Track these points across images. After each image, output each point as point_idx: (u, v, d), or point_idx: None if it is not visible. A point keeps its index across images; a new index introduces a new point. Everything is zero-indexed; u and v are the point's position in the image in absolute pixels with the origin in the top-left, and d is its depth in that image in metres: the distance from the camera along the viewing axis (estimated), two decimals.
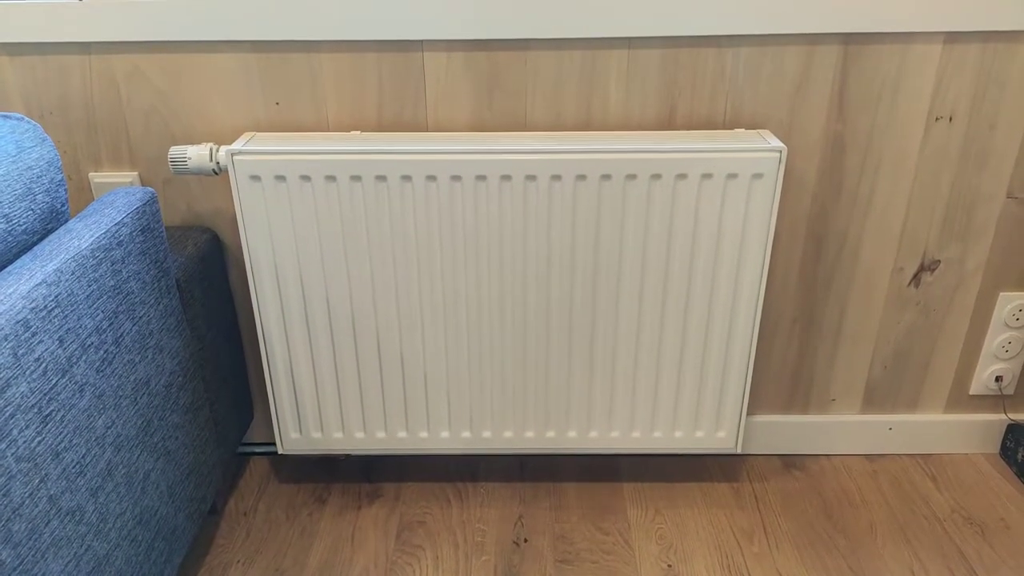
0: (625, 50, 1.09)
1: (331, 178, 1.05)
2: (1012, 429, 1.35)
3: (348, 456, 1.40)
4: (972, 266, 1.24)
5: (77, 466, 0.81)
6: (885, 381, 1.34)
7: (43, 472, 0.76)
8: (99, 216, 0.91)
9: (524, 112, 1.13)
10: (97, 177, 1.18)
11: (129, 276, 0.92)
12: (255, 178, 1.05)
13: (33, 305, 0.75)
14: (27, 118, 0.90)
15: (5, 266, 0.82)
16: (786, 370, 1.32)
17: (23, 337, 0.74)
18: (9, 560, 0.71)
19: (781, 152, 1.04)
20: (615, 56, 1.09)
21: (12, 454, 0.72)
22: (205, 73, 1.11)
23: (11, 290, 0.74)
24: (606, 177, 1.05)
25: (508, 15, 1.06)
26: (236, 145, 1.05)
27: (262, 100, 1.13)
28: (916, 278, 1.25)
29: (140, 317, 0.94)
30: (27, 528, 0.74)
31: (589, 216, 1.07)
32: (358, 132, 1.13)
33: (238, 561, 1.18)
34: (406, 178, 1.05)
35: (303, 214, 1.07)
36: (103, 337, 0.86)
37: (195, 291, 1.11)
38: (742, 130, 1.12)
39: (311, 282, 1.12)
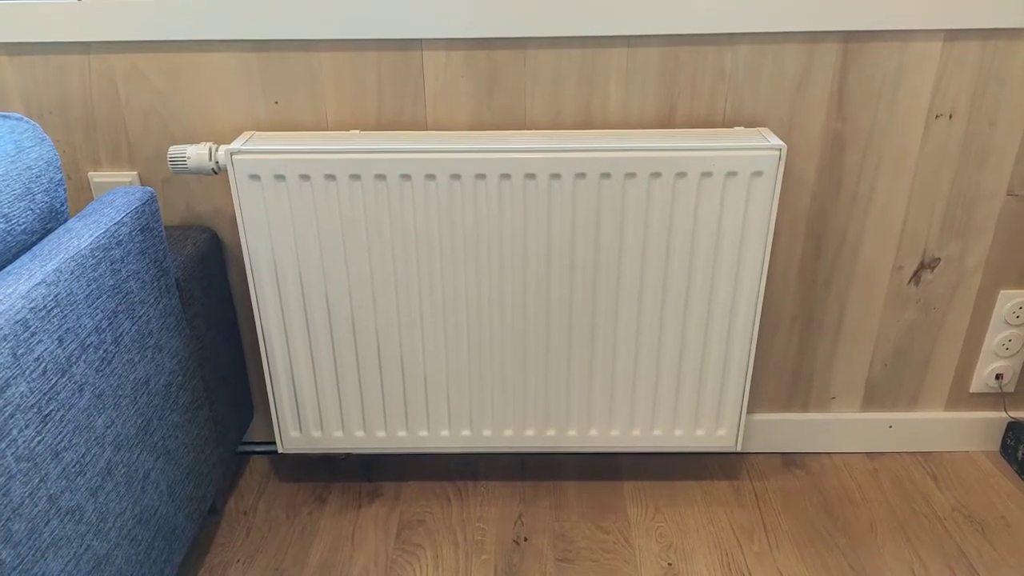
0: (624, 48, 1.09)
1: (330, 177, 1.05)
2: (1012, 427, 1.35)
3: (348, 455, 1.40)
4: (972, 264, 1.24)
5: (77, 466, 0.81)
6: (885, 379, 1.33)
7: (43, 472, 0.76)
8: (98, 216, 0.91)
9: (523, 111, 1.13)
10: (96, 177, 1.18)
11: (128, 276, 0.92)
12: (254, 177, 1.05)
13: (32, 305, 0.75)
14: (26, 118, 0.90)
15: (4, 266, 0.82)
16: (786, 368, 1.32)
17: (22, 337, 0.74)
18: (9, 559, 0.71)
19: (781, 150, 1.04)
20: (615, 55, 1.09)
21: (12, 454, 0.72)
22: (204, 72, 1.11)
23: (10, 290, 0.74)
24: (606, 175, 1.05)
25: (507, 14, 1.06)
26: (235, 144, 1.05)
27: (261, 99, 1.13)
28: (916, 276, 1.25)
29: (139, 316, 0.94)
30: (27, 528, 0.74)
31: (589, 215, 1.07)
32: (357, 131, 1.13)
33: (238, 560, 1.18)
34: (405, 177, 1.05)
35: (302, 213, 1.07)
36: (102, 337, 0.86)
37: (194, 290, 1.11)
38: (742, 128, 1.12)
39: (311, 281, 1.12)
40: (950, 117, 1.13)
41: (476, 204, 1.06)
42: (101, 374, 0.86)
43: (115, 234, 0.90)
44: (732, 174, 1.05)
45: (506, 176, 1.05)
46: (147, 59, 1.11)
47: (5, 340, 0.71)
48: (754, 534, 1.22)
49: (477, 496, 1.30)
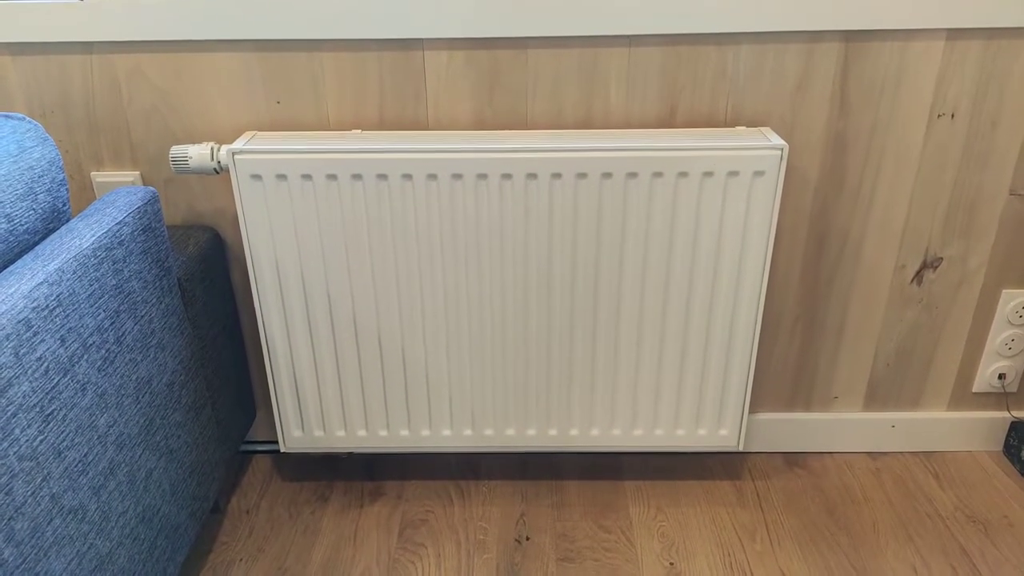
0: (626, 48, 1.09)
1: (332, 177, 1.05)
2: (1015, 427, 1.35)
3: (350, 454, 1.40)
4: (975, 263, 1.23)
5: (79, 465, 0.81)
6: (888, 379, 1.33)
7: (45, 471, 0.76)
8: (100, 215, 0.91)
9: (525, 110, 1.13)
10: (99, 176, 1.18)
11: (131, 275, 0.92)
12: (256, 177, 1.05)
13: (35, 304, 0.76)
14: (28, 118, 0.90)
15: (7, 265, 0.82)
16: (788, 368, 1.32)
17: (25, 336, 0.74)
18: (12, 559, 0.72)
19: (782, 150, 1.04)
20: (616, 54, 1.09)
21: (14, 453, 0.72)
22: (206, 72, 1.11)
23: (13, 289, 0.75)
24: (607, 175, 1.05)
25: (508, 13, 1.06)
26: (237, 144, 1.06)
27: (263, 99, 1.13)
28: (918, 276, 1.25)
29: (142, 316, 0.94)
30: (29, 527, 0.74)
31: (590, 214, 1.07)
32: (359, 131, 1.13)
33: (241, 559, 1.19)
34: (407, 177, 1.05)
35: (304, 213, 1.07)
36: (105, 336, 0.86)
37: (197, 290, 1.11)
38: (743, 128, 1.12)
39: (312, 280, 1.12)
40: (952, 117, 1.13)
41: (477, 204, 1.07)
42: (103, 373, 0.86)
43: (117, 234, 0.90)
44: (734, 174, 1.04)
45: (507, 176, 1.05)
46: (149, 59, 1.11)
47: (7, 340, 0.72)
48: (756, 534, 1.22)
49: (479, 495, 1.30)
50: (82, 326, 0.82)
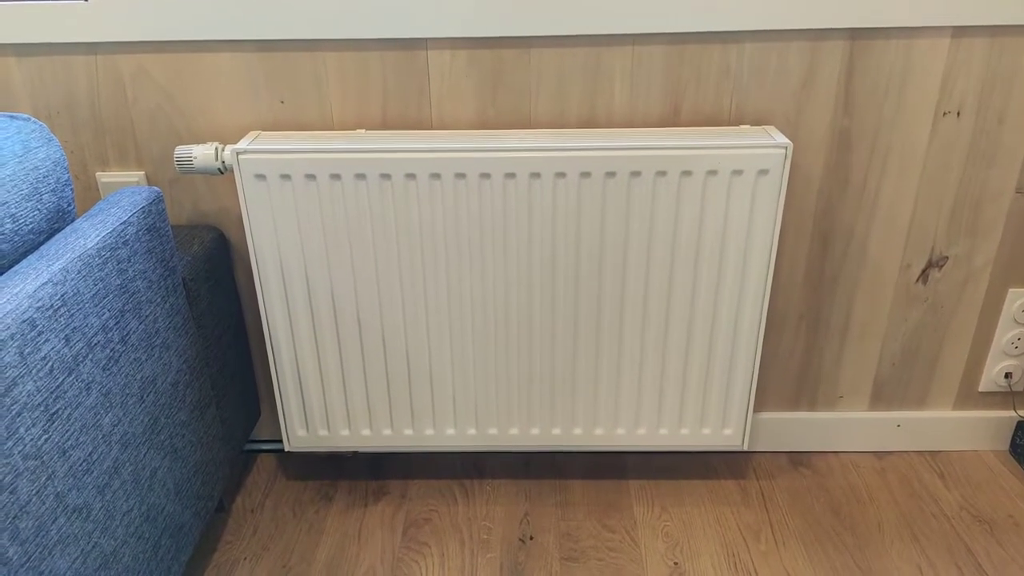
0: (629, 47, 1.09)
1: (336, 176, 1.05)
2: (1022, 426, 1.34)
3: (355, 453, 1.40)
4: (981, 262, 1.23)
5: (84, 464, 0.82)
6: (893, 378, 1.33)
7: (50, 470, 0.77)
8: (105, 216, 0.91)
9: (528, 110, 1.13)
10: (104, 177, 1.18)
11: (135, 275, 0.92)
12: (260, 177, 1.06)
13: (39, 304, 0.76)
14: (33, 118, 0.90)
15: (12, 265, 0.82)
16: (793, 367, 1.32)
17: (29, 336, 0.74)
18: (16, 557, 0.72)
19: (787, 148, 1.03)
20: (619, 53, 1.09)
21: (19, 452, 0.72)
22: (210, 73, 1.12)
23: (17, 289, 0.75)
24: (611, 174, 1.04)
25: (512, 13, 1.05)
26: (241, 144, 1.06)
27: (267, 99, 1.13)
28: (924, 274, 1.24)
29: (146, 316, 0.95)
30: (34, 525, 0.74)
31: (594, 213, 1.07)
32: (363, 130, 1.13)
33: (245, 558, 1.19)
34: (410, 176, 1.05)
35: (308, 212, 1.08)
36: (109, 336, 0.87)
37: (201, 290, 1.12)
38: (747, 126, 1.11)
39: (317, 280, 1.12)
40: (958, 114, 1.12)
41: (481, 203, 1.07)
42: (108, 373, 0.86)
43: (122, 234, 0.90)
44: (738, 172, 1.04)
45: (511, 175, 1.05)
46: (154, 60, 1.11)
47: (12, 339, 0.72)
48: (761, 533, 1.22)
49: (483, 495, 1.30)
50: (87, 326, 0.83)
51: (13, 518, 0.71)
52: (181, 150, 1.09)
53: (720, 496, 1.29)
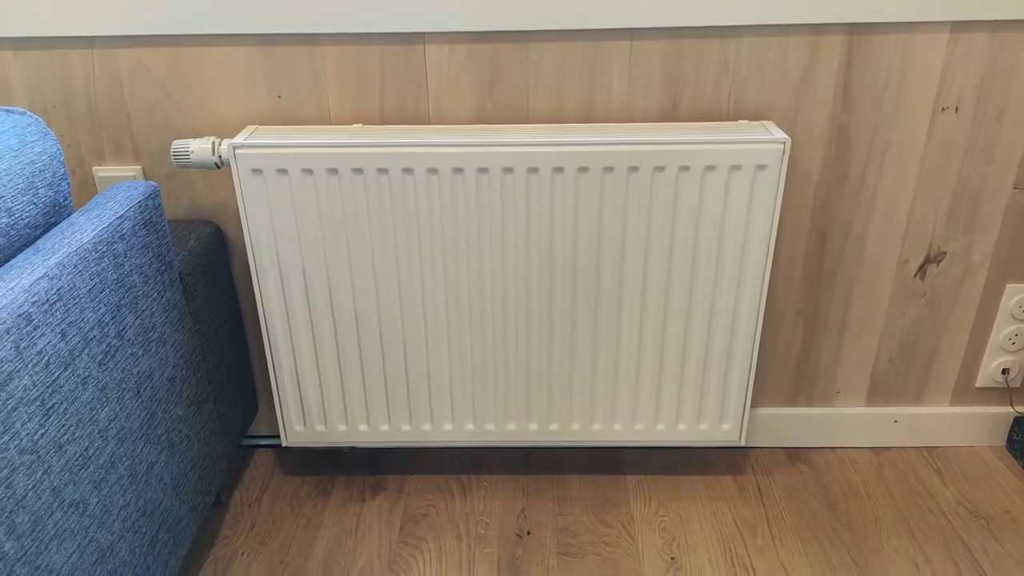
0: (627, 41, 1.08)
1: (333, 171, 1.05)
2: (1019, 422, 1.34)
3: (352, 449, 1.40)
4: (978, 258, 1.23)
5: (80, 458, 0.82)
6: (891, 373, 1.33)
7: (46, 464, 0.76)
8: (101, 210, 0.91)
9: (526, 104, 1.13)
10: (101, 171, 1.18)
11: (131, 270, 0.92)
12: (257, 171, 1.05)
13: (35, 299, 0.76)
14: (29, 112, 0.90)
15: (8, 260, 0.82)
16: (791, 362, 1.32)
17: (25, 330, 0.74)
18: (12, 551, 0.72)
19: (785, 144, 1.03)
20: (617, 47, 1.09)
21: (15, 446, 0.72)
22: (207, 67, 1.11)
23: (13, 284, 0.75)
24: (608, 169, 1.04)
25: (510, 7, 1.05)
26: (238, 139, 1.06)
27: (264, 93, 1.13)
28: (922, 270, 1.24)
29: (143, 310, 0.95)
30: (31, 520, 0.74)
31: (592, 209, 1.07)
32: (360, 125, 1.13)
33: (243, 553, 1.19)
34: (408, 171, 1.05)
35: (305, 207, 1.07)
36: (105, 330, 0.87)
37: (198, 284, 1.11)
38: (746, 121, 1.11)
39: (314, 275, 1.12)
40: (956, 110, 1.12)
41: (479, 198, 1.06)
42: (104, 367, 0.86)
43: (118, 228, 0.90)
44: (736, 168, 1.04)
45: (508, 170, 1.04)
46: (151, 53, 1.11)
47: (8, 334, 0.72)
48: (757, 528, 1.22)
49: (480, 490, 1.31)
50: (83, 320, 0.83)
51: (9, 512, 0.71)
52: (178, 144, 1.09)
53: (717, 491, 1.29)
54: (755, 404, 1.36)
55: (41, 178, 0.86)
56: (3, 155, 0.82)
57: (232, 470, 1.36)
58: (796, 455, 1.37)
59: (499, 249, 1.10)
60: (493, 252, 1.10)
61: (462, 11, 1.06)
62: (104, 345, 0.86)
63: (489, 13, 1.06)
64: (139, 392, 0.93)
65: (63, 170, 0.90)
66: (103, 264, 0.87)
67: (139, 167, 1.18)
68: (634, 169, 1.04)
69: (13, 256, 0.83)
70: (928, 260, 1.23)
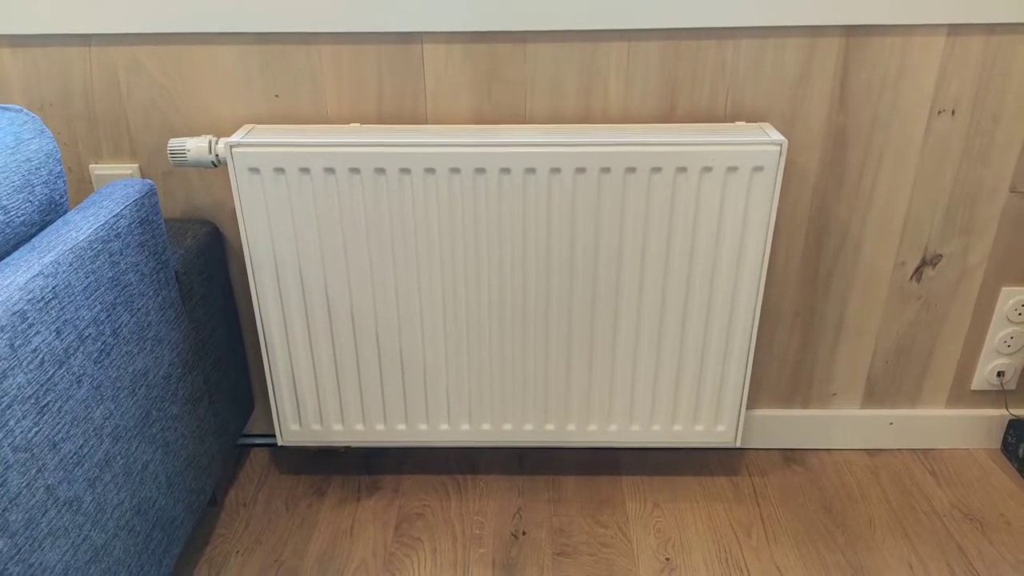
0: (625, 43, 1.09)
1: (330, 170, 1.05)
2: (1013, 425, 1.35)
3: (348, 448, 1.40)
4: (974, 260, 1.23)
5: (75, 456, 0.82)
6: (886, 376, 1.33)
7: (40, 462, 0.76)
8: (97, 208, 0.91)
9: (523, 105, 1.13)
10: (98, 169, 1.18)
11: (127, 268, 0.92)
12: (254, 170, 1.05)
13: (30, 296, 0.76)
14: (26, 110, 0.90)
15: (3, 257, 0.82)
16: (787, 364, 1.32)
17: (20, 328, 0.74)
18: (6, 549, 0.72)
19: (782, 145, 1.03)
20: (615, 49, 1.09)
21: (9, 444, 0.72)
22: (205, 65, 1.11)
23: (8, 281, 0.75)
24: (605, 170, 1.04)
25: (507, 8, 1.05)
26: (235, 137, 1.06)
27: (262, 92, 1.13)
28: (918, 272, 1.24)
29: (138, 309, 0.94)
30: (24, 518, 0.74)
31: (588, 209, 1.07)
32: (357, 124, 1.13)
33: (237, 552, 1.19)
34: (405, 171, 1.05)
35: (302, 206, 1.07)
36: (101, 328, 0.87)
37: (194, 283, 1.11)
38: (743, 123, 1.11)
39: (310, 274, 1.12)
40: (953, 113, 1.12)
41: (475, 198, 1.06)
42: (99, 366, 0.86)
43: (114, 226, 0.90)
44: (733, 169, 1.04)
45: (506, 170, 1.04)
46: (148, 51, 1.11)
47: (2, 331, 0.72)
48: (752, 530, 1.22)
49: (476, 490, 1.31)
50: (78, 318, 0.82)
51: (3, 511, 0.71)
52: (175, 143, 1.09)
53: (713, 492, 1.29)
54: (751, 405, 1.37)
55: (37, 176, 0.86)
56: None
57: (227, 469, 1.36)
58: (791, 456, 1.37)
59: (496, 250, 1.10)
60: (490, 252, 1.10)
61: (460, 11, 1.06)
62: (99, 343, 0.86)
63: (487, 13, 1.06)
64: (134, 390, 0.93)
65: (59, 168, 0.90)
66: (99, 262, 0.87)
67: (136, 165, 1.18)
68: (631, 170, 1.04)
69: (8, 253, 0.83)
70: (924, 262, 1.23)
